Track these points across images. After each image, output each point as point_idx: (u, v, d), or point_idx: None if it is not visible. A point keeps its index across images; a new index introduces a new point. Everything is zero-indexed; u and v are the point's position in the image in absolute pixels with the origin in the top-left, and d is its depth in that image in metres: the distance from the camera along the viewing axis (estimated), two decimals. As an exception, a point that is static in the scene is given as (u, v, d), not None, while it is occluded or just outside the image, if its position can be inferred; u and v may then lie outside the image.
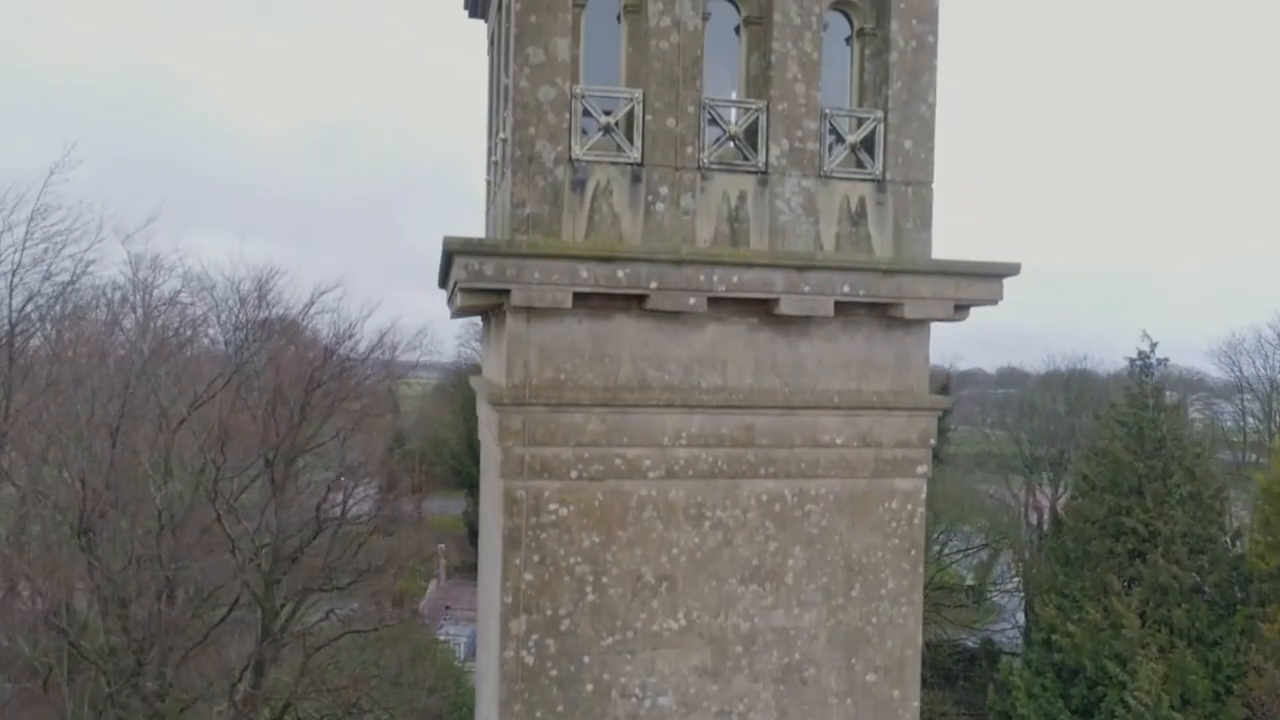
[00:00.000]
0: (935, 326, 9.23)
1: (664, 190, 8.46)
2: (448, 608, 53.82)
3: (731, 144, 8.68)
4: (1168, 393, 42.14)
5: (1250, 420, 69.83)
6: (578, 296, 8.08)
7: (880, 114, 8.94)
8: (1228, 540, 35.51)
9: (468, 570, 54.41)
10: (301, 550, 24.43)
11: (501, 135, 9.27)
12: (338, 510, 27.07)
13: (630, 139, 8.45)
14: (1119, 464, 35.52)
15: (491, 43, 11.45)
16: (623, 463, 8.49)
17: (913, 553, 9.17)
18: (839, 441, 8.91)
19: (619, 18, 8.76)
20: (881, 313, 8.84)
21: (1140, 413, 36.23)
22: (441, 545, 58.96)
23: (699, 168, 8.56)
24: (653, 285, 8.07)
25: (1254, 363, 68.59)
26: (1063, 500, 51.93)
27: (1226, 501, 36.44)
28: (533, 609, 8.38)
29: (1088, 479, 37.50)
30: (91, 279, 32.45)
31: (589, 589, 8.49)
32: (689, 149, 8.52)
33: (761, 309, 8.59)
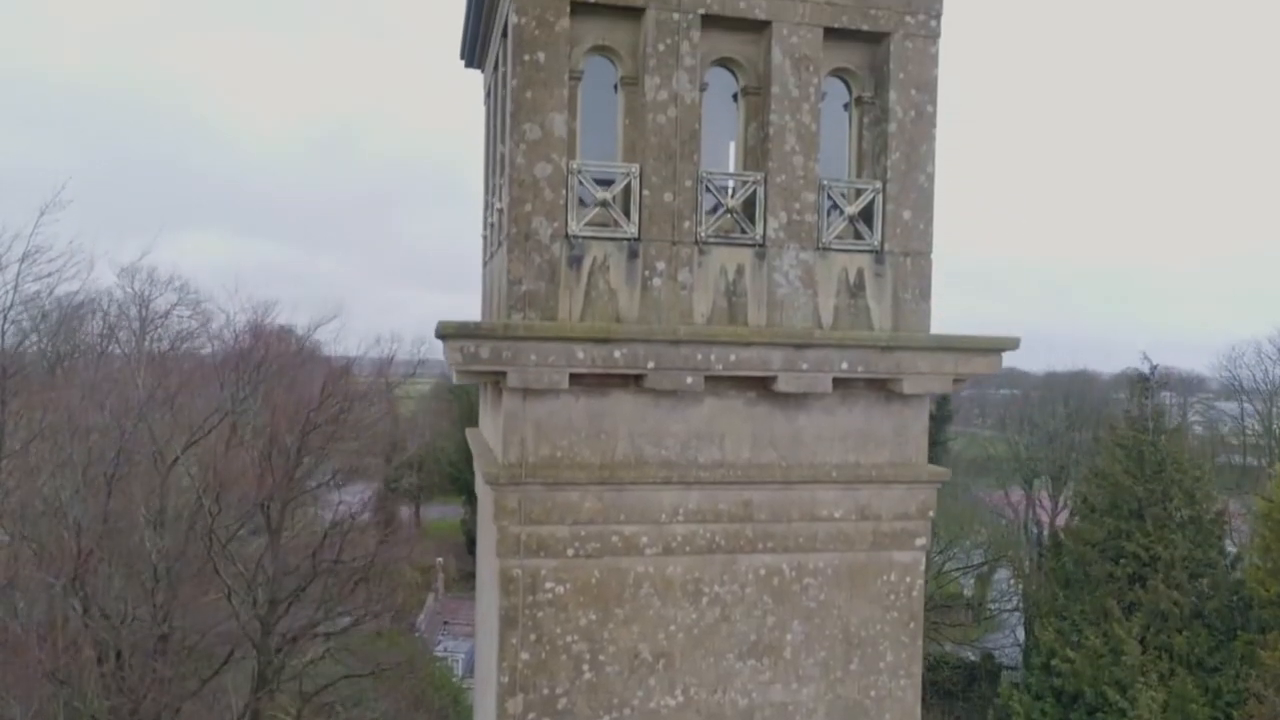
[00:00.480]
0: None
1: (661, 265, 8.40)
2: (446, 623, 53.37)
3: (729, 216, 8.62)
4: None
5: (1249, 433, 69.60)
6: (574, 375, 8.02)
7: (879, 184, 8.89)
8: (1228, 565, 35.40)
9: (466, 581, 53.76)
10: (298, 595, 24.31)
11: (498, 205, 9.22)
12: (335, 549, 26.97)
13: (627, 213, 8.39)
14: (1119, 487, 35.43)
15: (488, 95, 11.37)
16: (620, 540, 8.42)
17: (911, 625, 9.10)
18: (837, 515, 8.84)
19: (616, 87, 8.71)
20: (880, 386, 8.78)
21: (1140, 435, 36.13)
22: (440, 559, 58.42)
23: (696, 242, 8.51)
24: (650, 365, 8.01)
25: (1254, 376, 68.61)
26: (1062, 517, 51.83)
27: (1227, 526, 36.33)
28: (529, 688, 8.31)
29: (1087, 501, 37.44)
30: (90, 299, 32.42)
31: (586, 667, 8.42)
32: (686, 223, 8.46)
33: (759, 383, 8.53)
